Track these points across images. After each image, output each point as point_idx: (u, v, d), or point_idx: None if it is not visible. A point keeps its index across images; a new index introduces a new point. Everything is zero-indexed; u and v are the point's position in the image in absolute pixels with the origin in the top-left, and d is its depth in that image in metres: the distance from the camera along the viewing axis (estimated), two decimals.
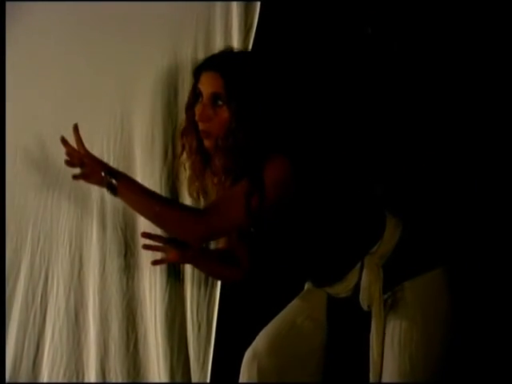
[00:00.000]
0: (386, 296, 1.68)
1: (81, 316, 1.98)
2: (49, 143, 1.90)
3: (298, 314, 1.85)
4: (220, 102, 1.63)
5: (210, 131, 1.66)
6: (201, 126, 1.67)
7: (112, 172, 1.61)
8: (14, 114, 1.90)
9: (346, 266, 1.72)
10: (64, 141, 1.63)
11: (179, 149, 1.81)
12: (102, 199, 1.95)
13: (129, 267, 1.98)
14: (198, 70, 1.70)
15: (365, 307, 1.67)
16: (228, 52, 1.72)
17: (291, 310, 1.87)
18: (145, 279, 1.98)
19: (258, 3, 1.87)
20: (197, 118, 1.67)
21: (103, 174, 1.59)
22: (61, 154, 1.68)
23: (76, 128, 1.63)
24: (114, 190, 1.59)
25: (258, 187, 1.57)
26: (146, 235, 1.74)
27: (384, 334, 1.67)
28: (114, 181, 1.59)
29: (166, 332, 1.93)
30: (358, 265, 1.70)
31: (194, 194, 1.83)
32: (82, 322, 1.98)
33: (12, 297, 1.96)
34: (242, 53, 1.73)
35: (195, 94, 1.70)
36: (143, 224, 1.90)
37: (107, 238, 1.97)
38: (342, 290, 1.76)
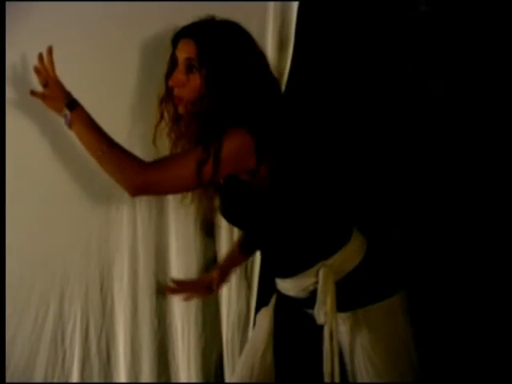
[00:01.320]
0: (345, 315, 1.72)
1: (112, 356, 1.99)
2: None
3: None
4: (193, 68, 1.64)
5: (183, 97, 1.67)
6: (175, 91, 1.68)
7: (71, 103, 1.63)
8: None
9: (297, 265, 1.74)
10: (40, 57, 1.64)
11: (158, 116, 1.79)
12: (134, 240, 1.97)
13: (160, 307, 2.01)
14: (176, 38, 1.70)
15: (320, 321, 1.71)
16: (206, 20, 1.70)
17: None
18: (177, 319, 2.02)
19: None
20: (170, 83, 1.68)
21: (63, 101, 1.63)
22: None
23: (50, 50, 1.64)
24: (67, 121, 1.63)
25: (213, 155, 1.56)
26: (176, 283, 1.82)
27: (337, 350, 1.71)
28: (68, 111, 1.62)
29: (201, 372, 1.95)
30: (312, 270, 1.71)
31: None
32: (113, 362, 1.99)
33: (40, 334, 1.92)
34: (220, 21, 1.69)
35: (173, 62, 1.70)
36: (175, 266, 1.97)
37: (139, 280, 1.99)
38: (291, 288, 1.78)
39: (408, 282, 1.79)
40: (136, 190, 1.63)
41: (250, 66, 1.66)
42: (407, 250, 2.11)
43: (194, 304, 2.06)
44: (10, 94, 1.75)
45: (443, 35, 2.06)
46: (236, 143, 1.58)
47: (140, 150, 1.82)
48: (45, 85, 1.67)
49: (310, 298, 1.72)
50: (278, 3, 2.01)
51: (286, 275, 1.77)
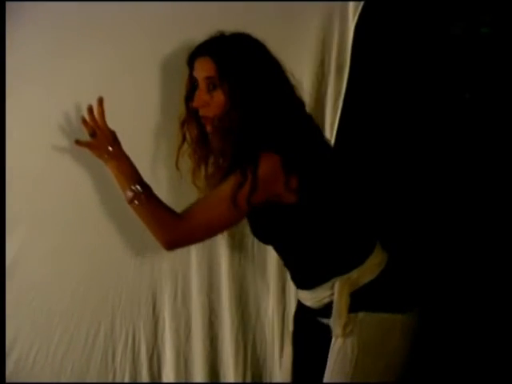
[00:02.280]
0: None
1: (163, 376, 1.99)
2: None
3: None
4: (215, 86, 1.63)
5: (209, 116, 1.66)
6: (200, 112, 1.68)
7: (115, 153, 1.68)
8: None
9: (315, 278, 1.72)
10: (90, 109, 1.68)
11: (179, 139, 1.79)
12: (187, 261, 1.97)
13: (212, 329, 2.00)
14: (192, 59, 1.70)
15: (336, 333, 1.68)
16: (218, 36, 1.69)
17: None
18: (229, 339, 2.01)
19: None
20: (194, 104, 1.67)
21: (109, 152, 1.68)
22: None
23: (100, 101, 1.69)
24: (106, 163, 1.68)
25: (251, 183, 1.55)
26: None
27: None
28: (106, 156, 1.68)
29: None
30: (329, 284, 1.69)
31: (199, 184, 1.83)
32: (164, 382, 1.98)
33: (91, 353, 1.93)
34: (232, 35, 1.69)
35: (192, 83, 1.70)
36: (227, 288, 1.99)
37: (192, 301, 1.99)
38: (308, 299, 1.77)
39: (419, 305, 1.74)
40: (170, 246, 1.66)
41: (269, 73, 1.66)
42: (425, 272, 2.06)
43: (246, 325, 2.05)
44: (61, 142, 1.79)
45: (503, 59, 2.04)
46: (269, 170, 1.57)
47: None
48: (92, 134, 1.69)
49: (324, 309, 1.71)
50: (335, 27, 2.00)
51: (305, 287, 1.77)
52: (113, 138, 1.70)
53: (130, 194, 1.64)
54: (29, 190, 1.82)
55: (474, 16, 2.05)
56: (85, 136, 1.74)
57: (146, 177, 1.72)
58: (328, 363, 1.69)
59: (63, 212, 1.86)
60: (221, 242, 2.02)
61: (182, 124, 1.77)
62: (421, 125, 2.16)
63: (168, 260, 1.96)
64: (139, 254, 1.94)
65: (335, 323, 1.66)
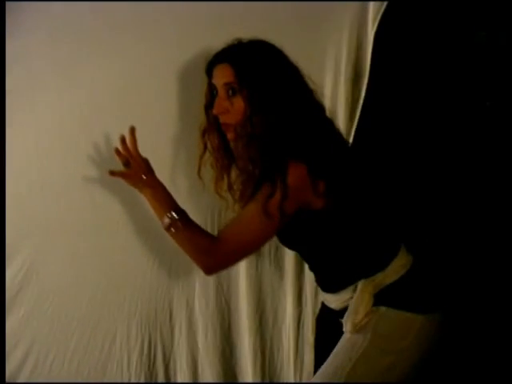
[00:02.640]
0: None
1: (179, 380, 1.99)
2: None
3: None
4: (234, 92, 1.62)
5: (230, 122, 1.65)
6: (220, 119, 1.67)
7: (150, 181, 1.69)
8: None
9: (340, 282, 1.71)
10: (123, 140, 1.68)
11: (201, 147, 1.78)
12: None
13: (230, 335, 2.02)
14: (210, 67, 1.69)
15: (346, 329, 1.67)
16: (235, 43, 1.69)
17: None
18: (246, 346, 2.02)
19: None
20: (214, 111, 1.66)
21: (143, 180, 1.68)
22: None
23: (132, 131, 1.69)
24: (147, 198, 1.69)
25: (281, 187, 1.54)
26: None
27: None
28: (141, 184, 1.69)
29: None
30: (354, 286, 1.69)
31: (221, 192, 1.82)
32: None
33: (107, 359, 1.93)
34: (249, 42, 1.68)
35: (211, 92, 1.70)
36: (244, 297, 2.01)
37: (210, 309, 1.99)
38: (332, 301, 1.76)
39: (440, 309, 1.71)
40: (211, 271, 1.67)
41: (288, 78, 1.65)
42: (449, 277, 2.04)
43: (263, 332, 2.06)
44: (91, 172, 1.81)
45: None
46: (298, 178, 1.56)
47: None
48: (126, 164, 1.68)
49: (346, 310, 1.70)
50: (354, 34, 1.99)
51: (330, 290, 1.76)
52: (146, 167, 1.70)
53: (166, 221, 1.64)
54: (45, 196, 1.81)
55: (496, 25, 2.02)
56: (100, 137, 1.76)
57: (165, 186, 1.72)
58: (335, 349, 1.68)
59: (80, 219, 1.86)
60: None
61: (203, 133, 1.76)
62: (442, 132, 2.13)
63: (184, 267, 1.95)
64: (156, 261, 1.94)
65: (348, 319, 1.65)
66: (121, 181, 1.75)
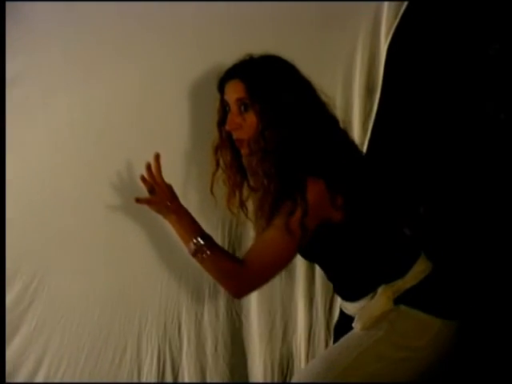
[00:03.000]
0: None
1: None
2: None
3: None
4: (246, 107, 1.63)
5: (243, 138, 1.65)
6: (234, 135, 1.68)
7: (175, 207, 1.68)
8: None
9: (360, 291, 1.71)
10: (148, 167, 1.68)
11: (214, 164, 1.78)
12: (214, 283, 1.95)
13: (239, 347, 2.04)
14: (222, 83, 1.70)
15: (356, 326, 1.68)
16: (247, 59, 1.70)
17: None
18: (257, 358, 2.03)
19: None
20: (227, 127, 1.66)
21: (168, 207, 1.68)
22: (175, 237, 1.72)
23: (157, 157, 1.69)
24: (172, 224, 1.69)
25: (301, 204, 1.54)
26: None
27: None
28: (165, 210, 1.69)
29: None
30: (373, 293, 1.69)
31: (233, 209, 1.83)
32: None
33: (117, 372, 1.95)
34: (261, 57, 1.68)
35: (224, 108, 1.70)
36: (255, 307, 2.00)
37: (220, 319, 2.01)
38: (351, 308, 1.76)
39: (459, 317, 1.70)
40: (239, 295, 1.70)
41: (299, 92, 1.65)
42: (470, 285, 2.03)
43: (273, 343, 2.07)
44: (104, 186, 1.83)
45: None
46: (317, 195, 1.56)
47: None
48: (151, 191, 1.68)
49: None
50: (367, 46, 1.99)
51: (349, 299, 1.76)
52: (170, 193, 1.70)
53: (192, 247, 1.64)
54: (58, 209, 1.84)
55: (509, 37, 2.00)
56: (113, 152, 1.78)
57: None
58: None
59: (91, 233, 1.88)
60: None
61: (216, 150, 1.77)
62: (456, 143, 2.12)
63: (194, 279, 1.97)
64: (166, 274, 1.96)
65: (360, 317, 1.66)
66: (132, 195, 1.76)
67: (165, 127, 1.86)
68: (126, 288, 1.92)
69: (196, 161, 1.89)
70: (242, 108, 1.64)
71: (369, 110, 2.04)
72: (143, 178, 1.69)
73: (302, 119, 1.62)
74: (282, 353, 2.10)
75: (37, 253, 1.83)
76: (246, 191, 1.80)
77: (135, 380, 1.95)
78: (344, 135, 1.73)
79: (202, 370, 2.01)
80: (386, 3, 1.96)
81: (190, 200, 1.88)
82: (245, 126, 1.64)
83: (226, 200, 1.82)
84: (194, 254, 1.64)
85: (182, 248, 1.86)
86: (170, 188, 1.71)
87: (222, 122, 1.72)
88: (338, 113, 1.76)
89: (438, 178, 2.20)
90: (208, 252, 1.62)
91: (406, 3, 1.97)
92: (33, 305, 1.84)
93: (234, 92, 1.66)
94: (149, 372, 1.96)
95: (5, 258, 1.78)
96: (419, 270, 1.69)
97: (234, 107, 1.66)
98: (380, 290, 1.66)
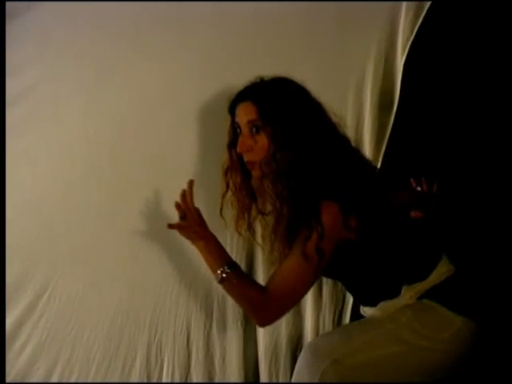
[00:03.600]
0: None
1: None
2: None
3: None
4: (257, 129, 1.64)
5: (255, 160, 1.66)
6: (245, 157, 1.69)
7: (202, 233, 1.70)
8: None
9: (382, 297, 1.73)
10: (183, 194, 1.70)
11: (224, 186, 1.80)
12: (223, 294, 1.95)
13: (247, 357, 2.05)
14: (233, 106, 1.71)
15: (364, 313, 1.72)
16: (257, 81, 1.71)
17: None
18: (263, 368, 2.05)
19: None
20: (238, 149, 1.67)
21: (197, 233, 1.70)
22: (185, 246, 1.78)
23: (191, 184, 1.71)
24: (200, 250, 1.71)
25: (316, 228, 1.55)
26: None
27: None
28: (194, 236, 1.70)
29: None
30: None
31: (241, 231, 1.85)
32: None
33: (127, 381, 1.97)
34: (272, 79, 1.70)
35: (235, 130, 1.71)
36: None
37: (227, 330, 2.02)
38: (371, 311, 1.78)
39: (479, 317, 1.69)
40: (264, 323, 1.67)
41: (310, 113, 1.66)
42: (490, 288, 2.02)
43: (279, 353, 2.08)
44: (115, 197, 1.84)
45: None
46: (332, 219, 1.57)
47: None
48: (183, 217, 1.70)
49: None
50: (381, 62, 1.99)
51: (369, 305, 1.78)
52: (199, 219, 1.72)
53: (219, 275, 1.65)
54: (69, 221, 1.86)
55: None
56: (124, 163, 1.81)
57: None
58: None
59: (102, 244, 1.90)
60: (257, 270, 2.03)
61: (226, 172, 1.78)
62: (474, 162, 2.12)
63: (204, 290, 1.99)
64: (175, 286, 1.97)
65: (377, 310, 1.68)
66: (142, 207, 1.78)
67: (175, 144, 1.88)
68: (136, 299, 1.94)
69: (204, 183, 1.89)
70: (254, 130, 1.65)
71: (383, 124, 2.04)
72: (177, 205, 1.70)
73: (314, 141, 1.62)
74: (288, 363, 2.11)
75: (48, 265, 1.85)
76: (253, 213, 1.82)
77: None
78: (356, 154, 1.74)
79: (211, 379, 2.02)
80: (402, 16, 1.95)
81: None
82: (256, 148, 1.65)
83: (235, 222, 1.84)
84: (221, 281, 1.66)
85: (191, 259, 1.92)
86: (199, 214, 1.73)
87: (232, 144, 1.74)
88: (349, 129, 1.79)
89: (456, 188, 2.12)
90: (234, 281, 1.64)
91: (423, 15, 1.95)
92: (44, 316, 1.87)
93: (246, 114, 1.67)
94: (159, 380, 1.98)
95: (5, 257, 1.80)
96: (441, 271, 1.71)
97: (245, 129, 1.67)
98: (402, 290, 1.68)
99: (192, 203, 1.71)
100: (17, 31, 1.67)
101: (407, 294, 1.67)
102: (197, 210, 1.72)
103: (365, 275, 1.71)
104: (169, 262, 1.95)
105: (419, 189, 1.87)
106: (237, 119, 1.69)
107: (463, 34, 2.05)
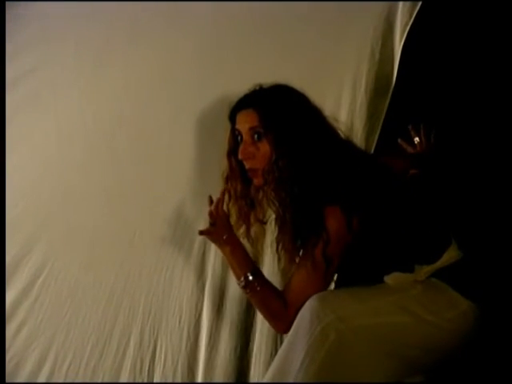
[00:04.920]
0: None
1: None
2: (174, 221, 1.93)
3: None
4: (259, 136, 1.64)
5: (257, 167, 1.67)
6: (246, 165, 1.69)
7: (228, 233, 1.72)
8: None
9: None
10: (217, 203, 1.74)
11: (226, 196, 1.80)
12: (213, 277, 2.02)
13: (240, 338, 2.05)
14: (233, 113, 1.71)
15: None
16: (258, 89, 1.71)
17: None
18: (255, 347, 2.05)
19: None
20: (240, 156, 1.67)
21: (224, 237, 1.72)
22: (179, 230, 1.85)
23: (224, 192, 1.74)
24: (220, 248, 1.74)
25: (322, 234, 1.57)
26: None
27: None
28: (222, 241, 1.72)
29: None
30: None
31: (240, 238, 1.83)
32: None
33: (121, 364, 2.00)
34: (271, 86, 1.70)
35: (235, 138, 1.71)
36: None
37: (223, 312, 2.05)
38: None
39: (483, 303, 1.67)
40: (285, 332, 1.66)
41: (311, 118, 1.67)
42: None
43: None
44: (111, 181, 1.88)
45: None
46: (336, 223, 1.58)
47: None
48: (213, 224, 1.72)
49: None
50: (379, 45, 2.00)
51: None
52: (228, 225, 1.75)
53: (242, 282, 1.68)
54: (65, 203, 1.90)
55: None
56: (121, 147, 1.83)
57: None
58: None
59: (97, 226, 1.94)
60: None
61: (226, 180, 1.78)
62: (474, 147, 2.10)
63: (196, 273, 2.02)
64: (169, 268, 2.01)
65: (389, 279, 1.66)
66: (139, 190, 1.84)
67: (172, 133, 1.92)
68: (131, 282, 1.98)
69: (203, 170, 1.94)
70: (256, 137, 1.65)
71: (378, 109, 2.05)
72: (210, 212, 1.73)
73: (315, 147, 1.63)
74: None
75: (44, 248, 1.88)
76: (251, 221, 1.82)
77: (138, 370, 1.99)
78: (357, 155, 1.73)
79: (203, 362, 2.04)
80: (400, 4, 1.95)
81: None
82: (258, 155, 1.65)
83: (234, 230, 1.82)
84: (244, 287, 1.69)
85: (183, 244, 1.97)
86: (228, 221, 1.75)
87: (232, 152, 1.73)
88: (343, 112, 1.83)
89: (459, 178, 2.14)
90: (257, 288, 1.67)
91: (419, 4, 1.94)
92: (39, 299, 1.89)
93: (247, 121, 1.66)
94: (151, 364, 2.01)
95: (5, 257, 1.83)
96: (450, 256, 1.70)
97: (246, 137, 1.66)
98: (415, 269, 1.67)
99: (223, 211, 1.74)
100: (18, 15, 1.71)
101: (418, 273, 1.67)
102: (226, 217, 1.75)
103: (372, 268, 1.70)
104: (162, 246, 1.99)
105: (417, 139, 1.93)
106: (237, 126, 1.69)
107: (462, 19, 2.03)
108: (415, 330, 1.59)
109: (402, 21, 1.95)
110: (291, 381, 1.53)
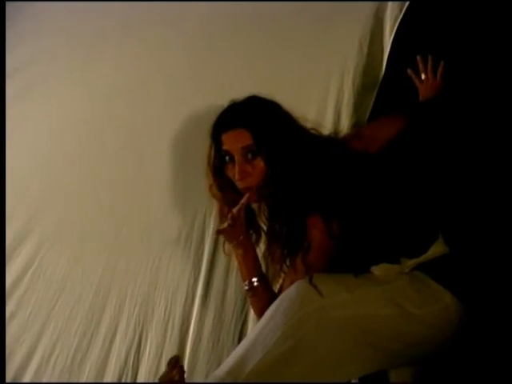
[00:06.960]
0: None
1: None
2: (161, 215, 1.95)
3: None
4: (253, 154, 1.65)
5: (251, 186, 1.68)
6: (240, 185, 1.69)
7: (244, 235, 1.74)
8: None
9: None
10: (239, 205, 1.72)
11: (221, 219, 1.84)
12: (198, 270, 2.04)
13: (224, 328, 2.06)
14: (216, 134, 1.71)
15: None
16: (233, 106, 1.72)
17: None
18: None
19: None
20: (237, 177, 1.67)
21: (240, 237, 1.73)
22: (166, 223, 1.88)
23: (247, 199, 1.71)
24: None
25: (302, 244, 1.62)
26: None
27: None
28: (236, 243, 1.74)
29: None
30: None
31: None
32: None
33: (107, 355, 2.02)
34: (246, 101, 1.72)
35: (221, 158, 1.71)
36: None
37: (207, 305, 2.06)
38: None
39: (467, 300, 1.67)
40: None
41: (295, 128, 1.70)
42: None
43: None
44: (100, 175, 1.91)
45: None
46: (318, 232, 1.62)
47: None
48: (232, 225, 1.72)
49: None
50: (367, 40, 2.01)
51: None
52: (245, 228, 1.75)
53: (248, 284, 1.74)
54: (55, 196, 1.95)
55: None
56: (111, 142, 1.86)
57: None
58: None
59: (87, 219, 1.98)
60: None
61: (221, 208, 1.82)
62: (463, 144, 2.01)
63: (182, 265, 2.04)
64: (155, 261, 2.03)
65: (376, 270, 1.67)
66: (127, 185, 1.87)
67: (162, 126, 1.96)
68: (118, 273, 2.01)
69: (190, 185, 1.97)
70: (249, 155, 1.66)
71: (362, 105, 2.05)
72: (232, 214, 1.72)
73: (306, 158, 1.65)
74: None
75: (34, 241, 1.90)
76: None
77: (122, 362, 2.01)
78: (335, 150, 1.73)
79: (193, 355, 2.05)
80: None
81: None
82: (254, 173, 1.66)
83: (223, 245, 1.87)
84: (248, 290, 1.74)
85: (171, 235, 2.01)
86: (244, 227, 1.76)
87: (218, 172, 1.74)
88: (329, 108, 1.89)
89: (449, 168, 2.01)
90: (259, 294, 1.72)
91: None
92: (28, 291, 1.91)
93: (238, 141, 1.65)
94: (135, 356, 2.02)
95: (5, 256, 1.86)
96: (435, 250, 1.71)
97: (238, 156, 1.66)
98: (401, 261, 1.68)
99: (243, 213, 1.74)
100: (12, 10, 1.73)
101: (404, 265, 1.68)
102: (243, 220, 1.75)
103: (359, 256, 1.70)
104: (150, 238, 2.01)
105: (423, 76, 1.92)
106: (226, 147, 1.68)
107: (454, 13, 1.99)
108: (398, 324, 1.59)
109: (392, 15, 1.97)
110: (260, 353, 1.52)
